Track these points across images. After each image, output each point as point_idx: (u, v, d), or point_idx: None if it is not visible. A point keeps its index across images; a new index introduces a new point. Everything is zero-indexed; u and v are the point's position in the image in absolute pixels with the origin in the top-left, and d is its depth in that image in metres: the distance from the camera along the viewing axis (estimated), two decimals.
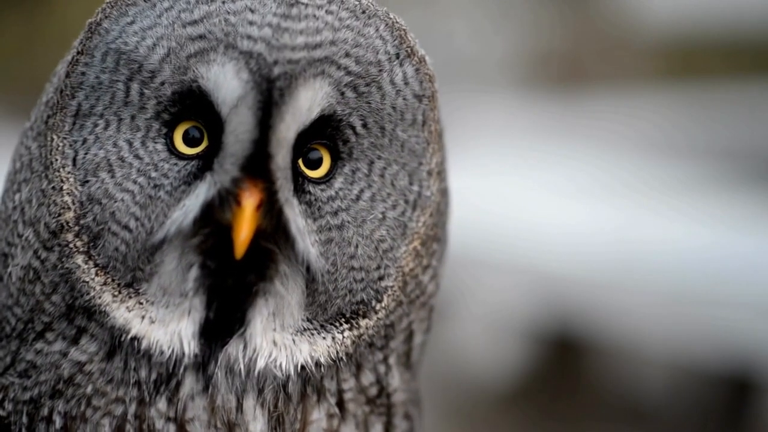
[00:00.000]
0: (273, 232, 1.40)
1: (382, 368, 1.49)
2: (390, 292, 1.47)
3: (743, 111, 6.80)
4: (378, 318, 1.47)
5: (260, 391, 1.42)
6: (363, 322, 1.46)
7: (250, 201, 1.37)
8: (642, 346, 5.47)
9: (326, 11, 1.42)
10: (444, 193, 1.54)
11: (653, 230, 5.56)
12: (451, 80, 7.04)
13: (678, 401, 5.53)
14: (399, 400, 1.52)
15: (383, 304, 1.47)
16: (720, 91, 7.07)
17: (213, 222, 1.40)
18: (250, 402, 1.42)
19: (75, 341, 1.43)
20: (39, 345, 1.44)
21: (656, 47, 7.50)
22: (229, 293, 1.41)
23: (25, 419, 1.43)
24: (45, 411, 1.42)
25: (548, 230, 5.74)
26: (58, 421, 1.41)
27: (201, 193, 1.40)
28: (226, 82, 1.38)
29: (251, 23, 1.40)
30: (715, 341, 5.16)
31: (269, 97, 1.37)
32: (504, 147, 6.81)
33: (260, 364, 1.42)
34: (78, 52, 1.46)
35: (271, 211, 1.39)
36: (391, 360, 1.50)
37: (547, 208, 5.93)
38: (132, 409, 1.41)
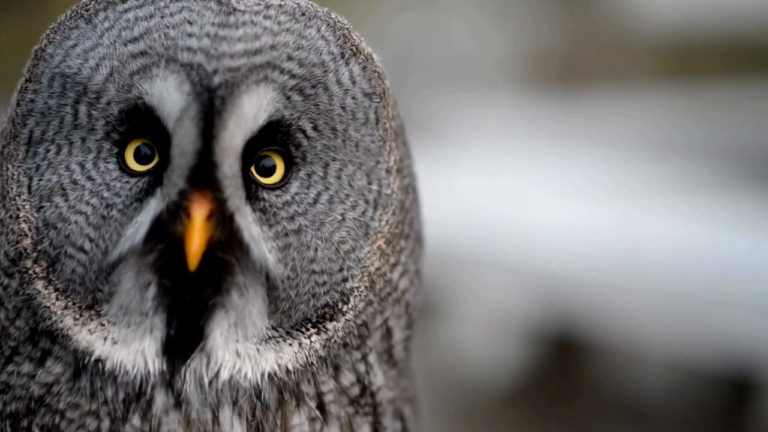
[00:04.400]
0: (227, 241, 1.40)
1: (362, 367, 1.49)
2: (356, 293, 1.47)
3: (742, 111, 6.80)
4: (347, 319, 1.46)
5: (235, 402, 1.42)
6: (331, 325, 1.46)
7: (199, 212, 1.37)
8: (642, 346, 5.47)
9: (264, 16, 1.42)
10: (407, 190, 1.53)
11: (653, 230, 5.56)
12: (451, 80, 7.04)
13: (678, 401, 5.52)
14: (385, 399, 1.51)
15: (350, 306, 1.47)
16: (719, 91, 7.06)
17: (167, 237, 1.40)
18: (226, 413, 1.42)
19: (41, 363, 1.43)
20: (10, 368, 1.45)
21: (656, 47, 7.50)
22: (188, 309, 1.41)
23: (9, 429, 1.44)
24: (25, 423, 1.43)
25: (548, 230, 5.74)
26: None
27: (151, 209, 1.40)
28: (170, 96, 1.38)
29: (190, 35, 1.40)
30: (715, 341, 5.16)
31: (210, 106, 1.37)
32: (503, 147, 6.81)
33: (224, 376, 1.41)
34: (26, 80, 1.46)
35: (222, 220, 1.39)
36: (371, 358, 1.49)
37: (547, 208, 5.93)
38: (106, 424, 1.41)
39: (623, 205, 5.88)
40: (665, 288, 5.27)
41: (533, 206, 5.96)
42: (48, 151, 1.44)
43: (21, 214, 1.43)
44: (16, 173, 1.44)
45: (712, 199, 5.88)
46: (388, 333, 1.52)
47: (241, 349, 1.42)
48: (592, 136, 6.91)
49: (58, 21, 1.47)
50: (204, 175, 1.38)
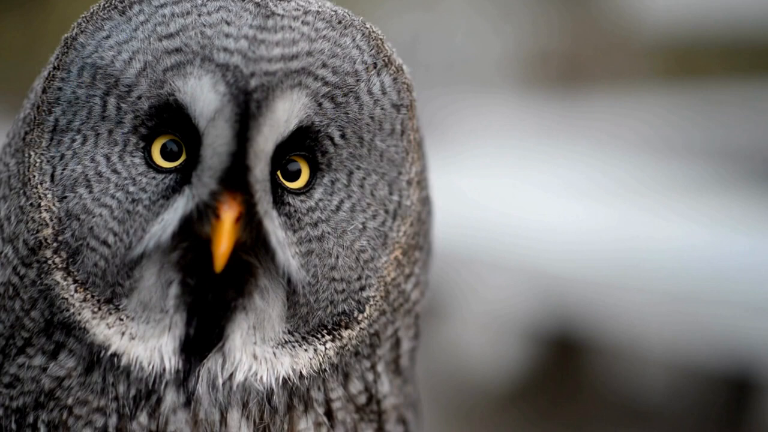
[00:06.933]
0: (253, 244, 1.40)
1: (370, 376, 1.49)
2: (372, 302, 1.47)
3: (742, 111, 6.80)
4: (361, 328, 1.47)
5: (245, 405, 1.42)
6: (345, 333, 1.46)
7: (228, 214, 1.37)
8: (642, 346, 5.47)
9: (302, 22, 1.42)
10: (424, 201, 1.53)
11: (653, 230, 5.56)
12: (451, 80, 7.04)
13: (678, 401, 5.53)
14: (390, 406, 1.51)
15: (365, 315, 1.47)
16: (718, 91, 7.07)
17: (192, 236, 1.39)
18: (234, 415, 1.42)
19: (54, 356, 1.43)
20: (21, 359, 1.44)
21: (655, 47, 7.50)
22: (209, 308, 1.41)
23: (13, 425, 1.43)
24: (30, 419, 1.43)
25: (548, 230, 5.74)
26: (42, 429, 1.42)
27: (179, 207, 1.39)
28: (203, 95, 1.38)
29: (227, 36, 1.39)
30: (715, 341, 5.16)
31: (246, 109, 1.37)
32: (503, 147, 6.81)
33: (239, 377, 1.41)
34: (54, 68, 1.45)
35: (250, 223, 1.39)
36: (380, 367, 1.50)
37: (547, 208, 5.93)
38: (113, 421, 1.41)
39: (623, 205, 5.88)
40: (665, 288, 5.27)
41: (533, 206, 5.96)
42: (73, 140, 1.43)
43: (43, 203, 1.42)
44: (38, 161, 1.43)
45: (712, 199, 5.89)
46: (397, 343, 1.52)
47: (258, 351, 1.43)
48: (592, 136, 6.92)
49: (91, 11, 1.46)
50: (236, 177, 1.37)
